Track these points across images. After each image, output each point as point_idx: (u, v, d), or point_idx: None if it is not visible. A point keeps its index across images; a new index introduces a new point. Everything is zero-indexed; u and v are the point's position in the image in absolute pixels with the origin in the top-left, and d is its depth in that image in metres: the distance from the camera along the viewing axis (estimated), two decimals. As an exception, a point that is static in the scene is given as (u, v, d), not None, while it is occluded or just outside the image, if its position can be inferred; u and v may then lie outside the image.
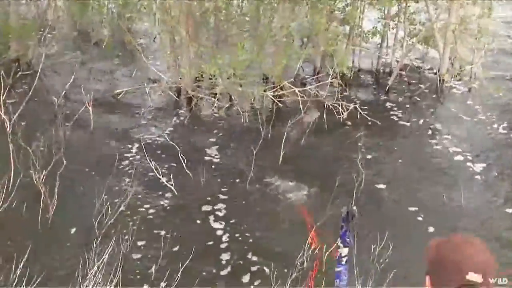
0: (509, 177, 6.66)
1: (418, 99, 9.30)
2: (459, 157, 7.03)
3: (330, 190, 5.69)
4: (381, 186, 6.20)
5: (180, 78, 8.84)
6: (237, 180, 6.32)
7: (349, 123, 7.90)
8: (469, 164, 6.86)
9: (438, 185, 6.27)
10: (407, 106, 8.98)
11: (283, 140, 6.70)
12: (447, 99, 9.50)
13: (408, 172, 6.66)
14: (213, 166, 6.65)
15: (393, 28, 10.56)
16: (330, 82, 8.21)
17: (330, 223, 4.76)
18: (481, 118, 8.50)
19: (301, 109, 7.70)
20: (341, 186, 5.82)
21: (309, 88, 8.27)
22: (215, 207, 5.68)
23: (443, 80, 9.66)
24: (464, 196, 5.85)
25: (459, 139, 7.64)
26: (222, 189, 6.09)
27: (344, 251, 3.20)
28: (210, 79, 8.60)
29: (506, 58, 11.80)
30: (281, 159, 6.63)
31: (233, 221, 5.45)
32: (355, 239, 3.40)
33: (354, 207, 3.17)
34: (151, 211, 5.55)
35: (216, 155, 7.00)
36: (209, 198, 5.85)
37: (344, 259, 3.23)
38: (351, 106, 7.63)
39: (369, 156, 6.87)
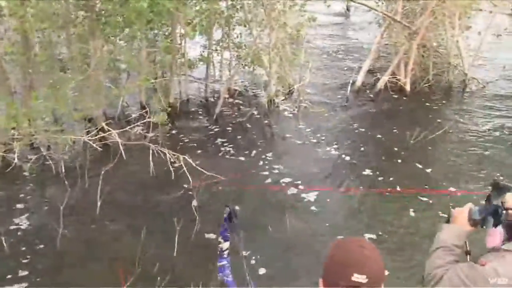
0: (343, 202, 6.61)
1: (249, 125, 9.00)
2: (292, 190, 6.78)
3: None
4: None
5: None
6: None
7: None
8: (303, 195, 6.65)
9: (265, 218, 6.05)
10: (238, 137, 8.60)
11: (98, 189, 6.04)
12: (277, 122, 9.30)
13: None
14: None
15: (218, 54, 10.30)
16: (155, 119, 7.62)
17: None
18: (312, 141, 8.42)
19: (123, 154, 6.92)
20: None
21: (129, 128, 7.49)
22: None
23: (272, 102, 9.55)
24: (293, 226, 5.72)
25: (291, 167, 7.42)
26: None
27: (225, 245, 3.24)
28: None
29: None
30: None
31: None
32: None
33: (236, 207, 3.22)
34: None
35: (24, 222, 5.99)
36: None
37: (226, 253, 3.26)
38: (177, 156, 6.82)
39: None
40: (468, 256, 2.01)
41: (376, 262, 1.53)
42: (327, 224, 5.99)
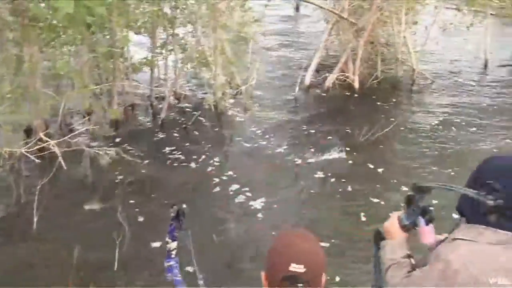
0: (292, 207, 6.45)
1: (196, 131, 8.73)
2: (240, 197, 6.58)
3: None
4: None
5: None
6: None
7: (120, 177, 6.98)
8: (250, 202, 6.45)
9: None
10: (186, 143, 8.31)
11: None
12: (226, 125, 9.07)
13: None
14: None
15: (164, 57, 9.98)
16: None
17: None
18: (262, 144, 8.24)
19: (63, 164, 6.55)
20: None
21: (69, 138, 7.11)
22: None
23: (219, 104, 9.30)
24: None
25: (241, 174, 7.21)
26: None
27: (173, 245, 3.14)
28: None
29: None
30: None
31: None
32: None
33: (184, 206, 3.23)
34: None
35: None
36: None
37: (174, 253, 3.16)
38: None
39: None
40: (412, 259, 1.97)
41: (316, 254, 1.53)
42: (273, 233, 5.78)
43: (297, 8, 18.36)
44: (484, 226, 1.69)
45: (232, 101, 9.79)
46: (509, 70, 12.19)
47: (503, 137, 8.52)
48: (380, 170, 7.25)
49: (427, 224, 1.96)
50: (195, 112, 9.35)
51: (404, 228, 1.99)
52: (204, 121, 9.11)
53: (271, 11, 12.96)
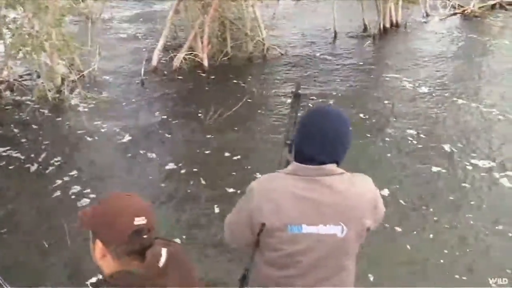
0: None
1: (35, 126, 7.89)
2: (83, 201, 6.01)
3: None
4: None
5: None
6: None
7: None
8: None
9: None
10: (23, 140, 7.48)
11: None
12: (68, 117, 8.27)
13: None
14: None
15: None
16: None
17: None
18: (107, 135, 7.66)
19: None
20: None
21: None
22: None
23: (60, 94, 8.55)
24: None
25: (84, 173, 6.63)
26: None
27: None
28: None
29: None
30: None
31: None
32: None
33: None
34: None
35: None
36: None
37: None
38: None
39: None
40: None
41: (146, 203, 1.64)
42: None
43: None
44: (295, 163, 2.02)
45: (75, 89, 9.01)
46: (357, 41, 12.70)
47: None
48: (227, 154, 7.04)
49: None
50: (34, 105, 8.48)
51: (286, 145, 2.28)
52: (45, 113, 8.30)
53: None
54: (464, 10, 14.94)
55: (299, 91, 2.42)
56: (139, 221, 1.54)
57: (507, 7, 15.77)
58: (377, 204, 2.04)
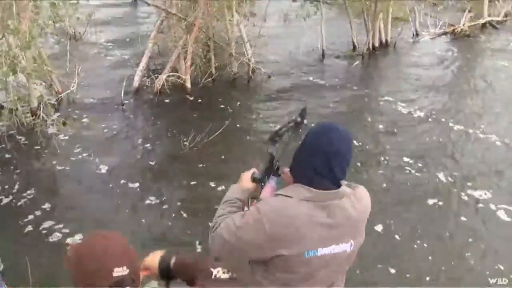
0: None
1: (8, 156, 7.48)
2: (55, 235, 5.62)
3: None
4: None
5: None
6: None
7: None
8: (68, 240, 5.49)
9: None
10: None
11: None
12: (43, 143, 7.83)
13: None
14: None
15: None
16: None
17: None
18: (85, 164, 7.26)
19: None
20: None
21: None
22: None
23: (36, 116, 8.16)
24: None
25: (57, 206, 6.23)
26: None
27: None
28: None
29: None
30: None
31: None
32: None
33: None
34: None
35: None
36: None
37: None
38: None
39: None
40: (244, 206, 2.23)
41: (128, 248, 1.47)
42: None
43: (135, 4, 17.58)
44: (301, 185, 1.95)
45: (52, 112, 8.62)
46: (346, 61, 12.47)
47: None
48: (212, 184, 6.68)
49: (277, 184, 2.23)
50: (9, 131, 8.07)
51: (254, 180, 2.26)
52: (21, 140, 7.89)
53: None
54: (454, 29, 14.75)
55: (305, 119, 2.21)
56: (119, 272, 1.39)
57: (497, 26, 15.64)
58: None
